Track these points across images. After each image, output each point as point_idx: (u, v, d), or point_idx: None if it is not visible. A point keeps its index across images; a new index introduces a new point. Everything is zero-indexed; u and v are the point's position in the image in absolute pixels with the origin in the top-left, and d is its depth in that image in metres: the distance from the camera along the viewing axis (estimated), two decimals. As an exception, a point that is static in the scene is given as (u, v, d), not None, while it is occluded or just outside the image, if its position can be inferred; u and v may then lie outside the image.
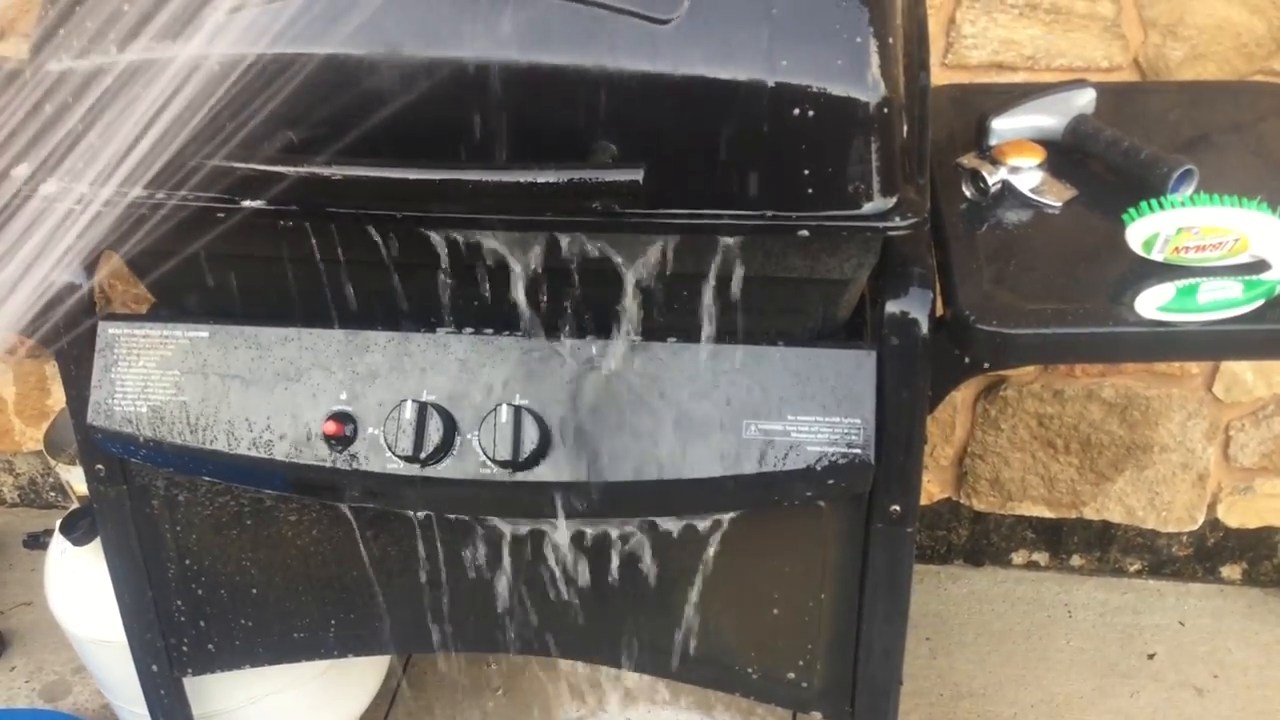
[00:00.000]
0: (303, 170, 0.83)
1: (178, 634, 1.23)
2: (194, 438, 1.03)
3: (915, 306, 0.94)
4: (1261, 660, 1.79)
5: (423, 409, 0.99)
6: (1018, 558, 1.96)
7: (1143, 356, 1.07)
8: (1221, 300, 0.90)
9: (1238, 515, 1.85)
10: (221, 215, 0.89)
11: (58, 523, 1.37)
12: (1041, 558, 1.95)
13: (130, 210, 0.89)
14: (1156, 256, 0.93)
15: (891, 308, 0.95)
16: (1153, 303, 0.90)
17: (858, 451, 0.96)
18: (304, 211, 0.89)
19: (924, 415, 0.99)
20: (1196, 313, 0.89)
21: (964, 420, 1.81)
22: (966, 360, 0.96)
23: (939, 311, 0.96)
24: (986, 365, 0.96)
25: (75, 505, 1.41)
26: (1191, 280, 0.91)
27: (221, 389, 1.03)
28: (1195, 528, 1.86)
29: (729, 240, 0.89)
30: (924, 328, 0.94)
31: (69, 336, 1.06)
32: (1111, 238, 0.96)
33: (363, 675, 1.55)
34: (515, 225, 0.90)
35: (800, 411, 0.97)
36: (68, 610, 1.39)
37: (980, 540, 1.96)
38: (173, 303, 1.08)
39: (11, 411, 2.04)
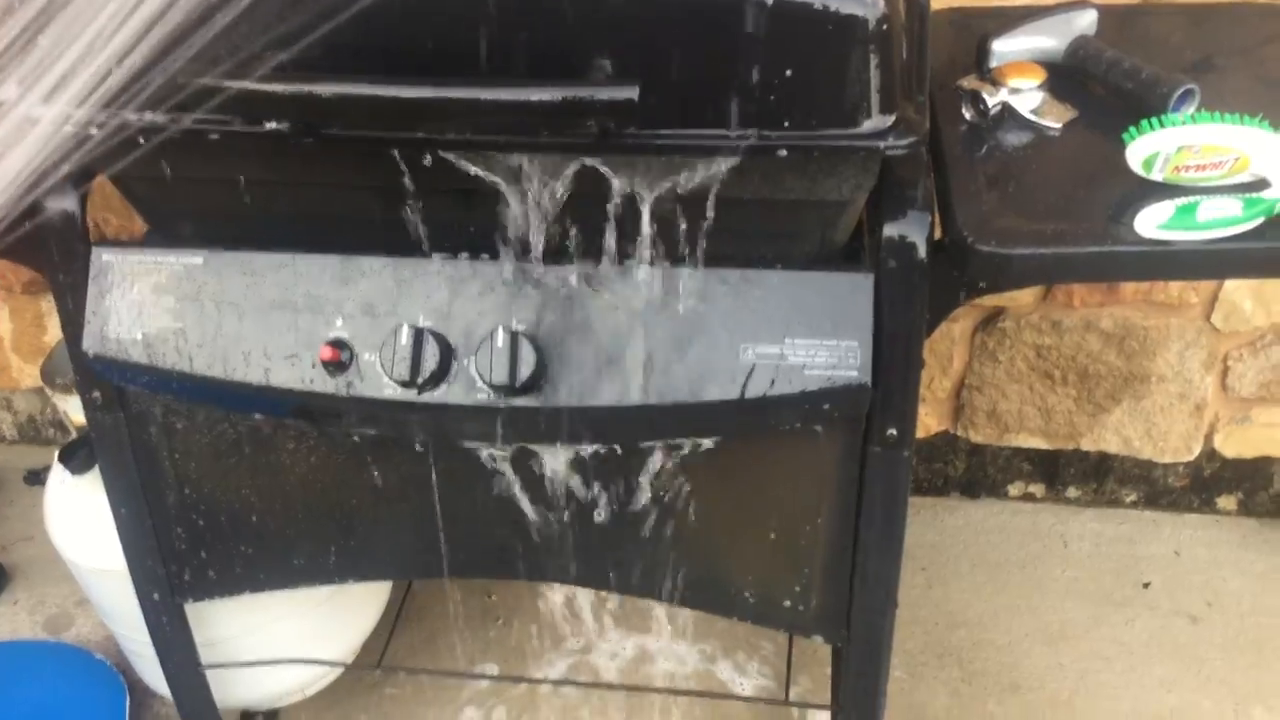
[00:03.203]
0: (292, 88, 0.82)
1: (178, 561, 1.24)
2: (189, 364, 1.02)
3: (913, 229, 0.94)
4: (1256, 588, 1.81)
5: (419, 334, 0.99)
6: (1014, 490, 1.97)
7: (1142, 275, 1.07)
8: (1221, 218, 0.89)
9: (1234, 445, 1.85)
10: (210, 137, 0.88)
11: (56, 452, 1.38)
12: (1038, 489, 1.96)
13: (118, 131, 0.87)
14: (1156, 176, 0.92)
15: (889, 231, 0.94)
16: (1152, 221, 0.89)
17: (855, 375, 0.96)
18: (294, 131, 0.88)
19: (921, 339, 0.99)
20: (1196, 231, 0.89)
21: (961, 353, 1.81)
22: (965, 283, 0.96)
23: (937, 234, 0.95)
24: (984, 286, 0.96)
25: (74, 438, 1.41)
26: (1191, 199, 0.90)
27: (216, 315, 1.02)
28: (1192, 458, 1.86)
29: (727, 160, 0.88)
30: (922, 250, 0.94)
31: (63, 264, 1.06)
32: (1111, 159, 0.95)
33: (363, 605, 1.56)
34: (508, 145, 0.89)
35: (797, 335, 0.97)
36: (68, 540, 1.40)
37: (976, 473, 1.96)
38: (166, 229, 1.07)
39: (8, 347, 2.04)
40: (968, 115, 1.06)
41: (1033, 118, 1.04)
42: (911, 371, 1.00)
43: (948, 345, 1.80)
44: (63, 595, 1.88)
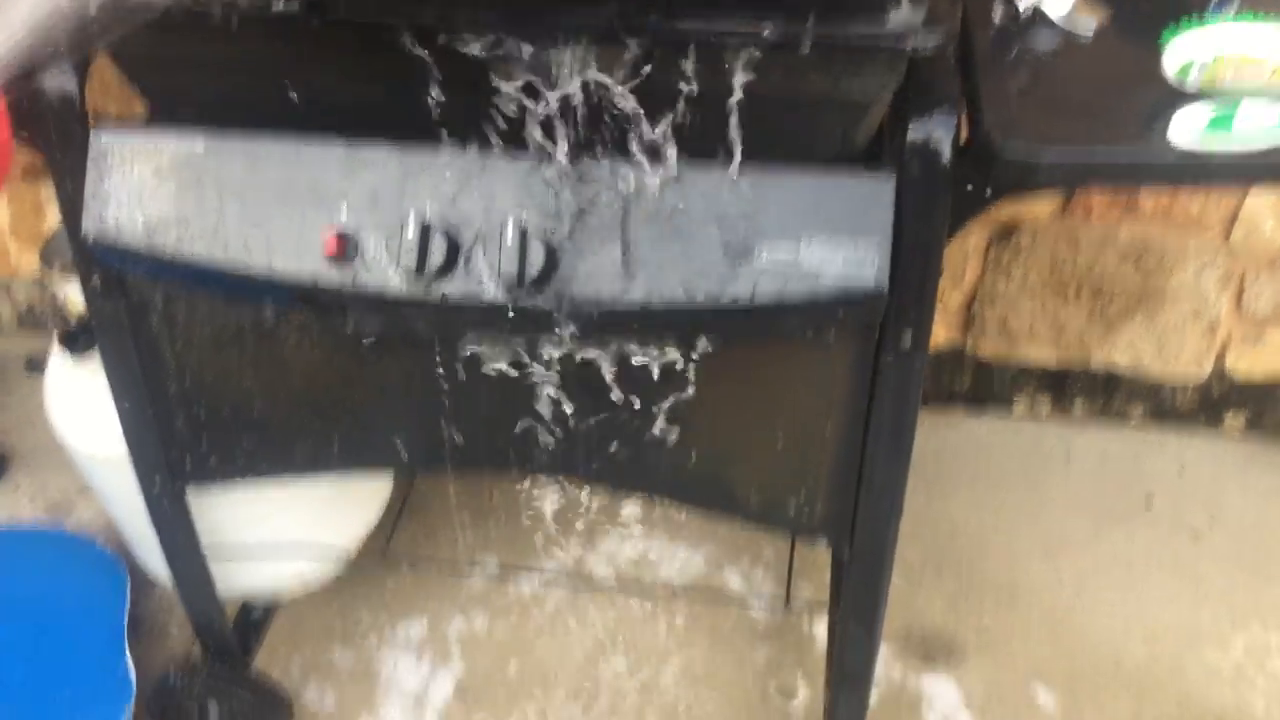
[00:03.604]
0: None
1: (179, 448, 1.23)
2: (190, 251, 1.00)
3: (938, 131, 0.91)
4: (1259, 506, 1.81)
5: (426, 227, 0.96)
6: (1020, 405, 1.96)
7: (1172, 183, 1.04)
8: (1257, 128, 0.86)
9: (1245, 365, 1.84)
10: (214, 16, 0.85)
11: (55, 338, 1.36)
12: (1044, 405, 1.95)
13: (118, 6, 0.84)
14: (1192, 83, 0.89)
15: (914, 132, 0.91)
16: (1186, 129, 0.86)
17: (871, 281, 0.94)
18: (303, 11, 0.84)
19: (941, 246, 0.97)
20: (1231, 140, 0.86)
21: (975, 265, 1.78)
22: (988, 188, 0.93)
23: (962, 138, 0.92)
24: (1008, 193, 0.93)
25: (74, 324, 1.39)
26: (1227, 107, 0.87)
27: (218, 202, 1.00)
28: (1202, 377, 1.85)
29: (750, 53, 0.84)
30: (946, 153, 0.91)
31: (61, 145, 1.03)
32: (1146, 65, 0.92)
33: (366, 498, 1.56)
34: (524, 32, 0.86)
35: (814, 239, 0.94)
36: (69, 426, 1.39)
37: (983, 387, 1.95)
38: (168, 112, 1.04)
39: (7, 234, 2.01)
40: (997, 19, 1.03)
41: (1065, 23, 1.01)
42: (929, 279, 0.98)
43: (961, 257, 1.77)
44: (64, 482, 1.88)
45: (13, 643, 1.53)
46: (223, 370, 1.17)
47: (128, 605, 1.59)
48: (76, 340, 1.33)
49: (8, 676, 1.49)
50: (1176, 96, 0.90)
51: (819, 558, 1.71)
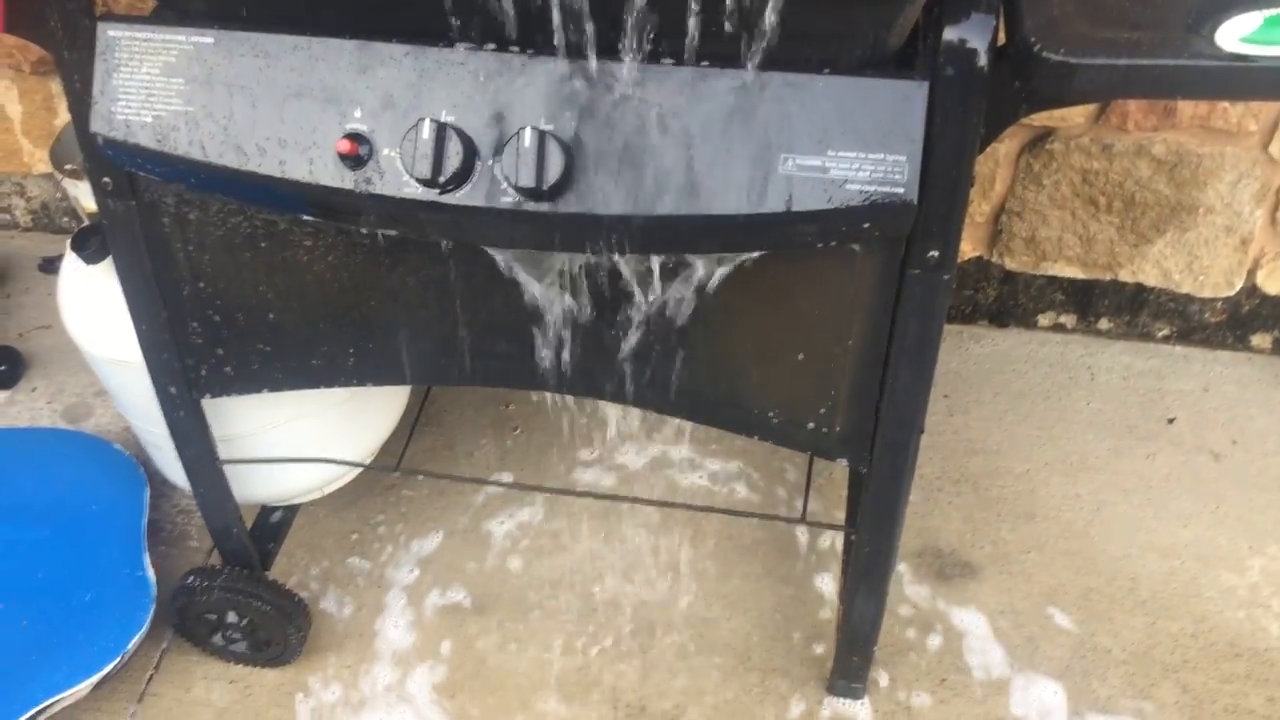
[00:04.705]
0: None
1: (195, 356, 1.22)
2: (201, 152, 0.98)
3: (975, 33, 0.87)
4: (1282, 428, 1.79)
5: (441, 129, 0.93)
6: (1044, 319, 1.93)
7: (1219, 93, 0.99)
8: (1312, 35, 0.82)
9: (1277, 283, 1.80)
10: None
11: (69, 240, 1.34)
12: (1069, 320, 1.92)
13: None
14: (1245, -15, 0.85)
15: (949, 34, 0.87)
16: (1235, 33, 0.82)
17: (900, 191, 0.91)
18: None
19: (973, 156, 0.93)
20: (1283, 47, 0.82)
21: (1004, 175, 1.74)
22: (1025, 95, 0.90)
23: (1000, 41, 0.89)
24: (1047, 100, 0.89)
25: (86, 225, 1.37)
26: (1281, 11, 0.83)
27: (228, 100, 0.97)
28: (1232, 294, 1.82)
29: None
30: (983, 57, 0.87)
31: (68, 38, 1.00)
32: (1197, -36, 0.87)
33: (382, 407, 1.56)
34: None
35: (842, 147, 0.91)
36: (84, 330, 1.38)
37: (1008, 301, 1.92)
38: (176, 5, 1.01)
39: (19, 131, 1.98)
40: (1040, -88, 0.98)
41: (1112, -83, 0.96)
42: (960, 191, 0.95)
43: (990, 167, 1.73)
44: (81, 385, 1.88)
45: (33, 546, 1.54)
46: (237, 277, 1.15)
47: (147, 509, 1.59)
48: (89, 242, 1.32)
49: (29, 580, 1.50)
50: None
51: (835, 472, 1.71)
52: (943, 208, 0.95)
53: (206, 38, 0.97)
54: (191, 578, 1.45)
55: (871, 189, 0.91)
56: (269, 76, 0.96)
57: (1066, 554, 1.63)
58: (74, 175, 1.35)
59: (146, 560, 1.52)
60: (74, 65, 1.01)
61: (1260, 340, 1.88)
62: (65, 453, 1.69)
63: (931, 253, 0.98)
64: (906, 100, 0.90)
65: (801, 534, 1.67)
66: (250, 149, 0.97)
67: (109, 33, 0.98)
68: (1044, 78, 0.85)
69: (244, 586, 1.45)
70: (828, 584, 1.61)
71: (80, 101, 1.01)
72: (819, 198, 0.91)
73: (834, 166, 0.91)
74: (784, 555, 1.65)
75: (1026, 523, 1.68)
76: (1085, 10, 0.88)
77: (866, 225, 0.93)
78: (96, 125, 1.00)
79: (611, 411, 1.76)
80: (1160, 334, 1.91)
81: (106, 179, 1.08)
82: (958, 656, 1.53)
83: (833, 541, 1.66)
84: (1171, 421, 1.80)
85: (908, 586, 1.60)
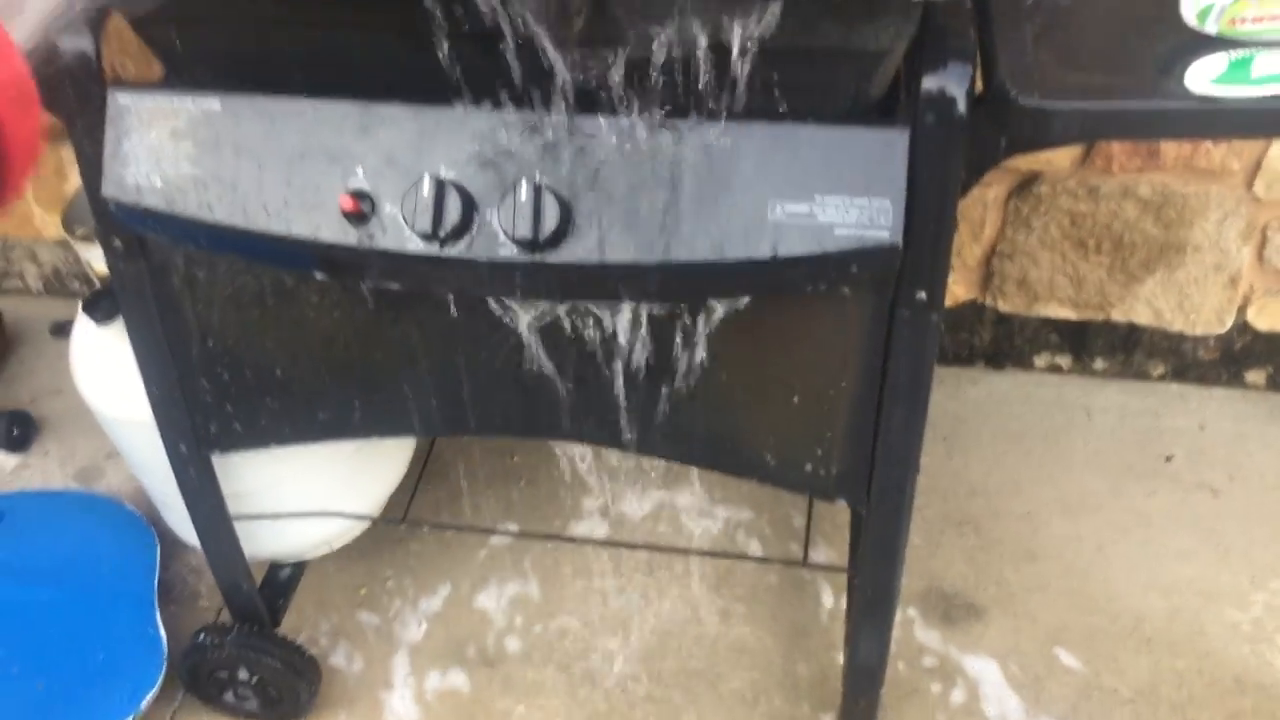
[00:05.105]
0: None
1: (204, 413, 1.25)
2: (209, 213, 1.01)
3: (953, 81, 0.90)
4: (1280, 463, 1.80)
5: (441, 186, 0.96)
6: (1040, 361, 1.96)
7: (1190, 133, 1.03)
8: (1277, 74, 0.85)
9: (1267, 319, 1.83)
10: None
11: (80, 302, 1.37)
12: (1064, 361, 1.95)
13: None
14: (1211, 29, 0.88)
15: (928, 83, 0.90)
16: (1204, 76, 0.85)
17: (885, 235, 0.94)
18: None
19: (956, 199, 0.96)
20: (1250, 86, 0.85)
21: (994, 219, 1.77)
22: (1004, 139, 0.93)
23: (978, 89, 0.92)
24: (1024, 144, 0.92)
25: (97, 288, 1.41)
26: (1246, 52, 0.86)
27: (235, 163, 1.00)
28: (1223, 331, 1.84)
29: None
30: (962, 104, 0.90)
31: (79, 106, 1.04)
32: (1165, 9, 0.91)
33: (388, 460, 1.58)
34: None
35: (828, 193, 0.94)
36: (95, 391, 1.40)
37: (1003, 343, 1.95)
38: (183, 73, 1.04)
39: (30, 197, 2.03)
40: (1014, -36, 1.02)
41: (1082, -34, 1.00)
42: (944, 233, 0.97)
43: (980, 211, 1.76)
44: (93, 448, 1.91)
45: (47, 607, 1.55)
46: (245, 335, 1.18)
47: (158, 569, 1.61)
48: (100, 305, 1.35)
49: (44, 641, 1.51)
50: (1195, 41, 0.89)
51: (839, 516, 1.72)
52: (928, 249, 0.97)
53: (213, 103, 1.00)
54: (203, 635, 1.46)
55: (858, 233, 0.94)
56: (274, 139, 1.00)
57: (1070, 594, 1.64)
58: (85, 239, 1.38)
59: (158, 620, 1.54)
60: (85, 131, 1.04)
61: (1255, 376, 1.90)
62: (78, 514, 1.71)
63: (920, 294, 1.01)
64: (889, 147, 0.93)
65: (804, 578, 1.68)
66: (257, 209, 1.00)
67: (119, 100, 1.02)
68: (1021, 122, 0.89)
69: (254, 643, 1.47)
70: (837, 629, 1.62)
71: (92, 166, 1.05)
72: (808, 243, 0.94)
73: (821, 212, 0.94)
74: (792, 601, 1.66)
75: (1029, 563, 1.69)
76: (1058, 56, 0.91)
77: (854, 269, 0.96)
78: (108, 189, 1.03)
79: (616, 460, 1.78)
80: (1155, 373, 1.93)
81: (117, 241, 1.11)
82: (974, 701, 1.53)
83: (836, 585, 1.67)
84: (1169, 459, 1.82)
85: (918, 631, 1.61)
